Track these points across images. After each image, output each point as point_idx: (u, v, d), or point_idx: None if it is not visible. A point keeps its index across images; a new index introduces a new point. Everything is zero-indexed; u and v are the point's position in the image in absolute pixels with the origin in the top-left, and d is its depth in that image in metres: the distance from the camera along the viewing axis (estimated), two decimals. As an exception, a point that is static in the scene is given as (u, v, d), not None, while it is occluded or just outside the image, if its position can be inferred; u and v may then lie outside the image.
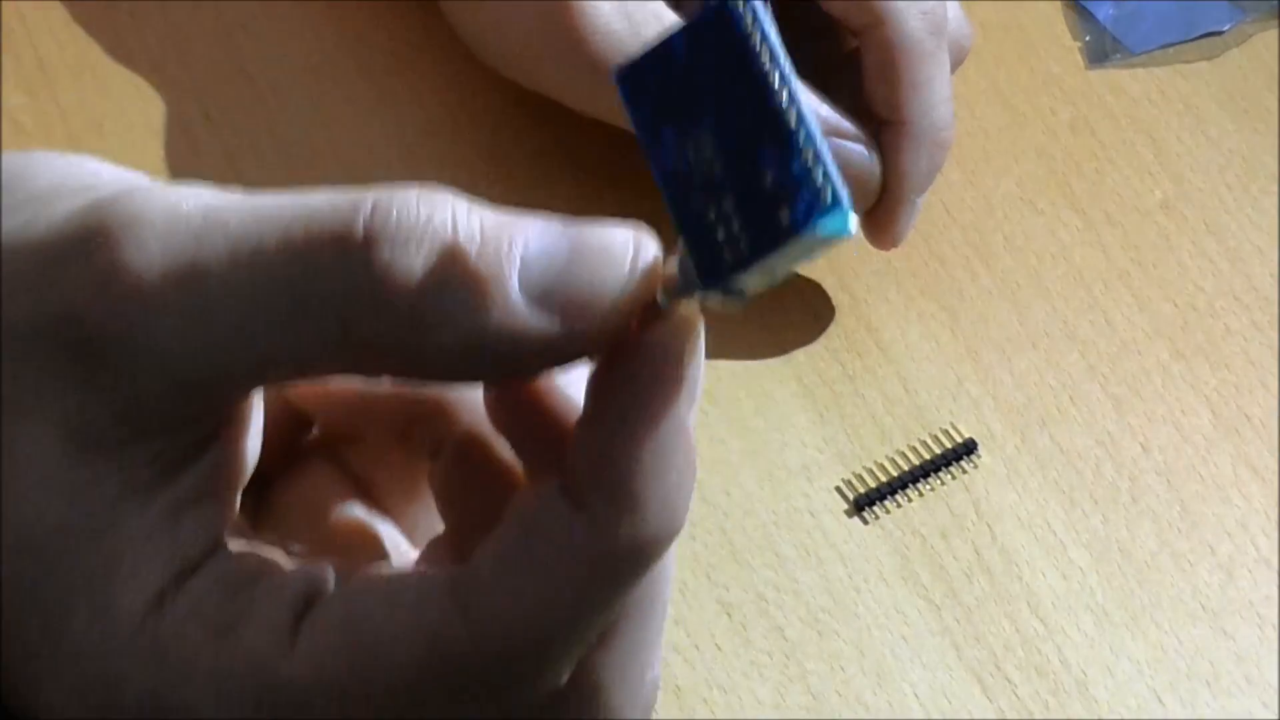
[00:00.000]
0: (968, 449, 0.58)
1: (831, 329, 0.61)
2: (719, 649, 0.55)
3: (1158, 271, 0.63)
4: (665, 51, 0.37)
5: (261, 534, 0.44)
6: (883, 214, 0.59)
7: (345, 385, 0.45)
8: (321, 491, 0.46)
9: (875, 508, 0.57)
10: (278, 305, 0.37)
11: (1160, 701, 0.54)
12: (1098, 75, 0.68)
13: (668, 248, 0.38)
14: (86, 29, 0.67)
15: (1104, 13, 0.69)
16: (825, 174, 0.36)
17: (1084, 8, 0.70)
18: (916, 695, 0.54)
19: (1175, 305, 0.62)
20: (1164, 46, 0.69)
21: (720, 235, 0.36)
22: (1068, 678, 0.54)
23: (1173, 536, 0.57)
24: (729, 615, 0.55)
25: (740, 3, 0.37)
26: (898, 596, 0.56)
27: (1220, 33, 0.69)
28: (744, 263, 0.36)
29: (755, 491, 0.57)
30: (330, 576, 0.40)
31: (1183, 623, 0.55)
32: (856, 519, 0.57)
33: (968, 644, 0.55)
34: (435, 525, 0.46)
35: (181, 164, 0.64)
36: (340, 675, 0.38)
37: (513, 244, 0.37)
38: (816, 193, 0.36)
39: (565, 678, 0.40)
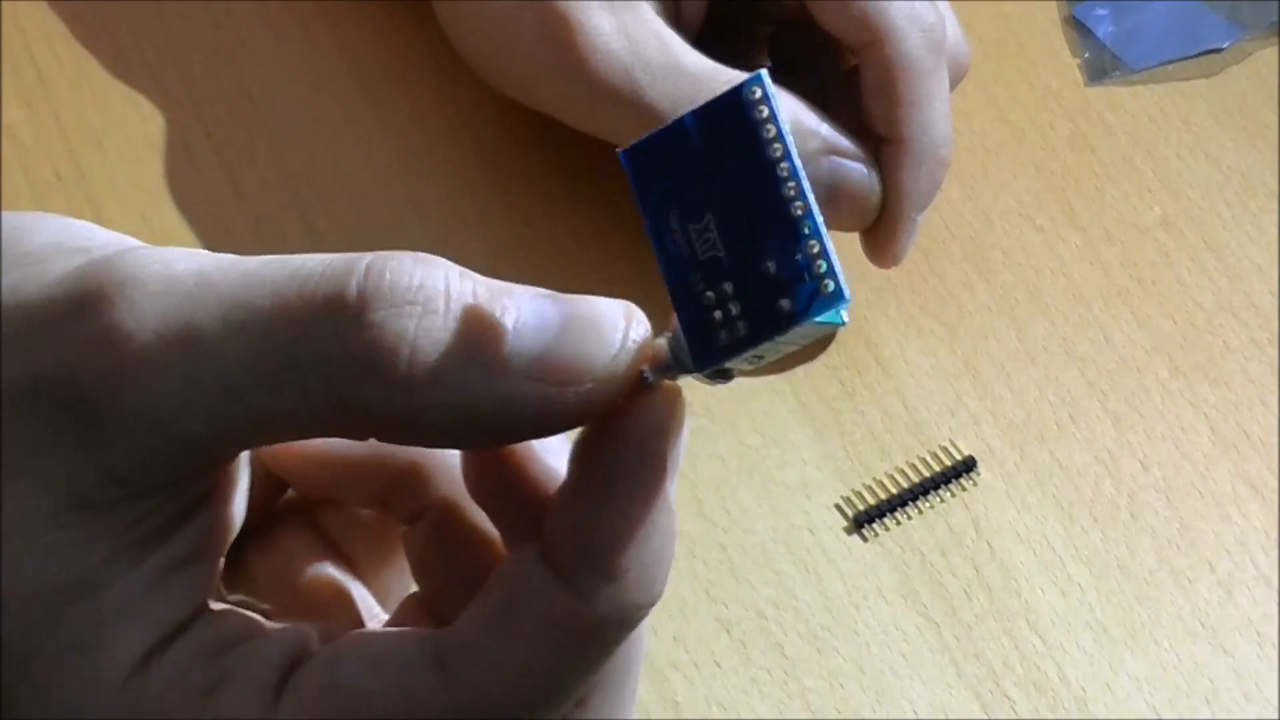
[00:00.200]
0: (967, 466, 0.58)
1: (831, 346, 0.61)
2: (718, 666, 0.55)
3: (1157, 288, 0.63)
4: (675, 133, 0.38)
5: (234, 595, 0.44)
6: (883, 232, 0.59)
7: (323, 450, 0.45)
8: (295, 554, 0.46)
9: (874, 525, 0.57)
10: (270, 367, 0.37)
11: (1160, 718, 0.54)
12: (1097, 92, 0.68)
13: (656, 317, 0.38)
14: (86, 44, 0.67)
15: (1103, 30, 0.69)
16: (829, 266, 0.37)
17: (1083, 24, 0.70)
18: (916, 712, 0.54)
19: (1174, 322, 0.62)
20: (1163, 63, 0.69)
21: (717, 317, 0.37)
22: (1067, 695, 0.54)
23: (1172, 554, 0.57)
24: (728, 632, 0.55)
25: (755, 91, 0.38)
26: (897, 614, 0.56)
27: (1219, 50, 0.69)
28: (740, 347, 0.37)
29: (754, 509, 0.57)
30: (314, 639, 0.40)
31: (1182, 640, 0.55)
32: (856, 536, 0.57)
33: (967, 661, 0.55)
34: (407, 588, 0.46)
35: (181, 179, 0.64)
36: None
37: (505, 310, 0.37)
38: (819, 284, 0.37)
39: None
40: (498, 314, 0.37)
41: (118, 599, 0.38)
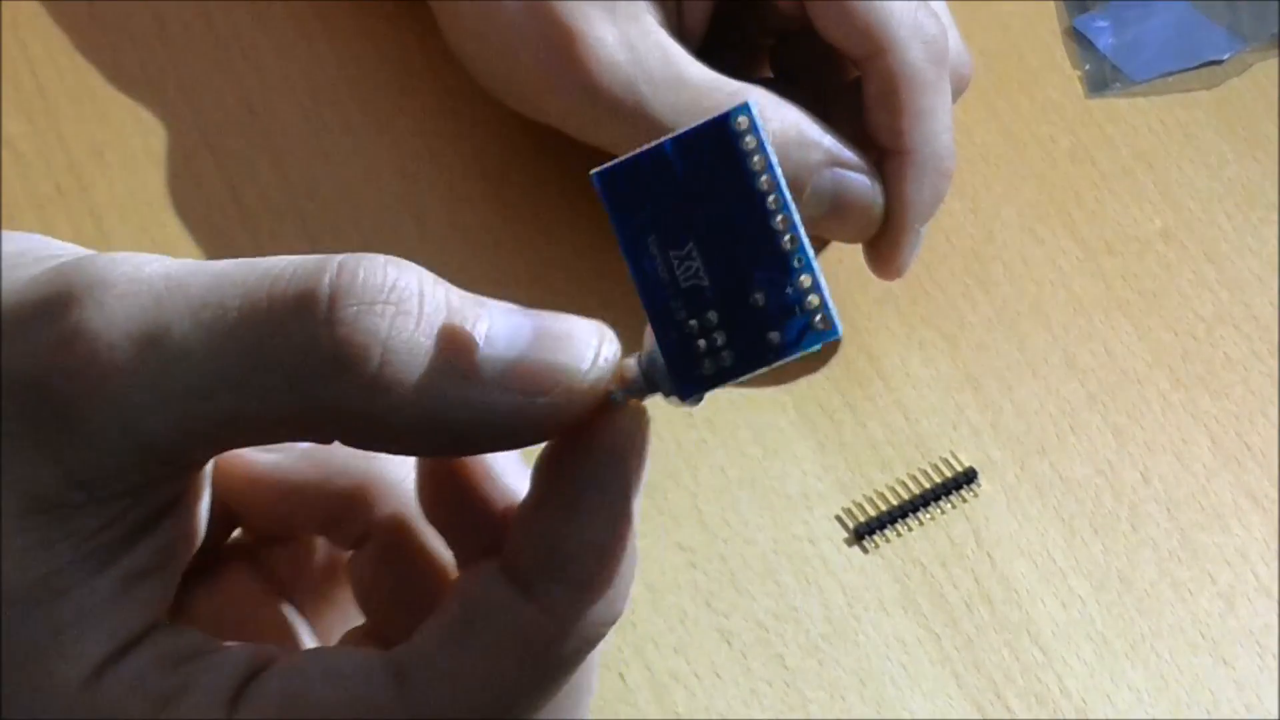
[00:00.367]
0: (968, 478, 0.58)
1: (831, 357, 0.61)
2: (719, 677, 0.54)
3: (1157, 300, 0.63)
4: (653, 158, 0.38)
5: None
6: (886, 244, 0.59)
7: (270, 469, 0.45)
8: (240, 596, 0.46)
9: (875, 536, 0.57)
10: (239, 366, 0.37)
11: (1161, 731, 0.54)
12: (1098, 104, 0.68)
13: (632, 338, 0.39)
14: (87, 56, 0.67)
15: (1104, 41, 0.69)
16: (822, 299, 0.37)
17: (1084, 36, 0.70)
18: (917, 724, 0.54)
19: (1175, 334, 0.62)
20: (1164, 75, 0.69)
21: (700, 346, 0.37)
22: (1068, 706, 0.54)
23: (1173, 565, 0.57)
24: (729, 643, 0.55)
25: (741, 121, 0.37)
26: (898, 625, 0.56)
27: (1220, 62, 0.69)
28: (725, 376, 0.37)
29: (755, 520, 0.57)
30: (272, 655, 0.40)
31: (1183, 651, 0.55)
32: (856, 547, 0.57)
33: (968, 673, 0.55)
34: (352, 625, 0.46)
35: (182, 191, 0.64)
36: None
37: (478, 319, 0.37)
38: (811, 318, 0.37)
39: None
40: (471, 321, 0.37)
41: (77, 606, 0.38)
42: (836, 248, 0.63)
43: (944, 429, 0.60)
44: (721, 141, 0.37)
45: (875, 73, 0.58)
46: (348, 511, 0.44)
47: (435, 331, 0.37)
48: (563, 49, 0.58)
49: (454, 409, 0.37)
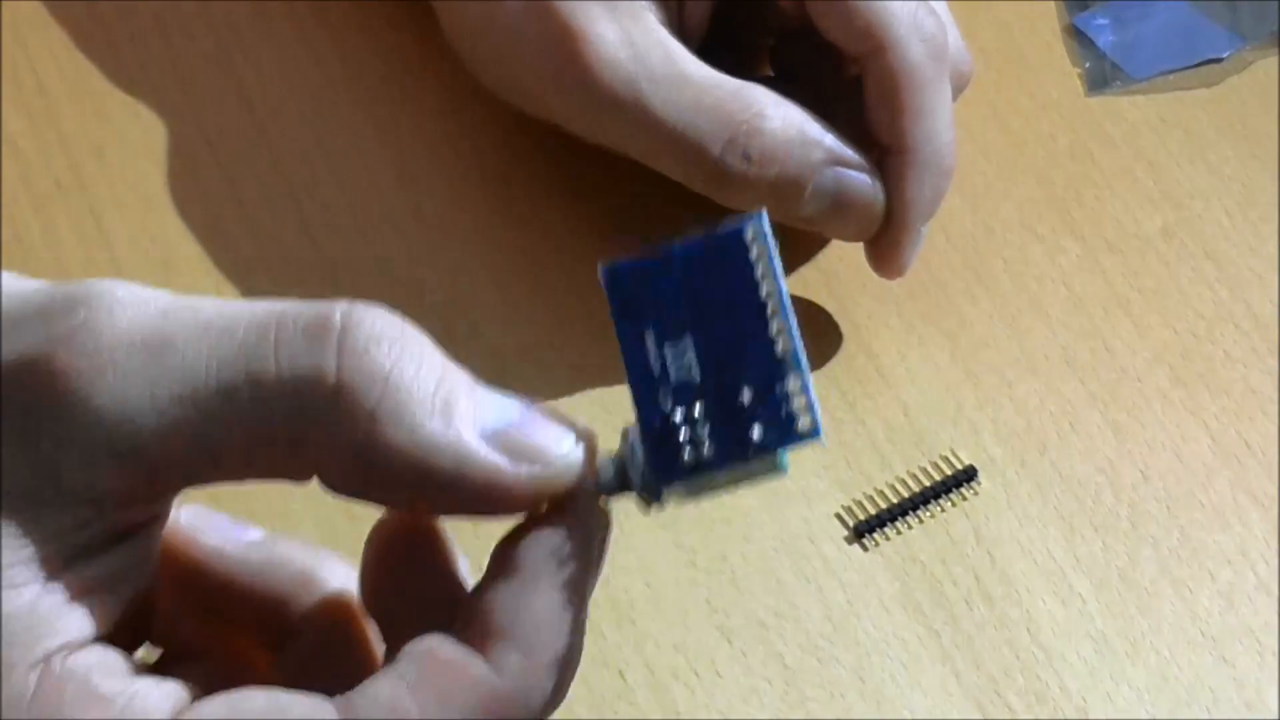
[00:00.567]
0: (968, 475, 0.58)
1: (831, 355, 0.61)
2: (719, 676, 0.54)
3: (1157, 298, 0.63)
4: (662, 259, 0.40)
5: None
6: (888, 242, 0.59)
7: (217, 548, 0.45)
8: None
9: (875, 534, 0.57)
10: (239, 381, 0.38)
11: (1161, 729, 0.54)
12: (1097, 102, 0.68)
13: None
14: (87, 54, 0.67)
15: (1104, 39, 0.69)
16: (809, 402, 0.39)
17: (1084, 34, 0.70)
18: (917, 722, 0.54)
19: (1175, 331, 0.62)
20: (1164, 73, 0.69)
21: (684, 436, 0.39)
22: (1068, 705, 0.54)
23: (1173, 563, 0.57)
24: (729, 641, 0.55)
25: (752, 233, 0.39)
26: (897, 623, 0.56)
27: (1220, 60, 0.69)
28: (703, 468, 0.39)
29: (755, 518, 0.57)
30: (212, 686, 0.40)
31: (1183, 649, 0.55)
32: (856, 545, 0.57)
33: (968, 671, 0.55)
34: None
35: (181, 189, 0.64)
36: None
37: (473, 387, 0.39)
38: (796, 419, 0.39)
39: None
40: (467, 385, 0.39)
41: (31, 599, 0.38)
42: (837, 245, 0.63)
43: (944, 427, 0.60)
44: (732, 251, 0.39)
45: (875, 71, 0.58)
46: (283, 605, 0.45)
47: (436, 380, 0.39)
48: (564, 47, 0.58)
49: (442, 455, 0.38)
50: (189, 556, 0.44)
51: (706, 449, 0.39)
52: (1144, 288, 0.63)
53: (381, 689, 0.39)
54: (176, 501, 0.42)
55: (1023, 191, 0.65)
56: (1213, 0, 0.70)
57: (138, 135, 0.65)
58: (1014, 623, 0.56)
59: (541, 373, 0.60)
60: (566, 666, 0.40)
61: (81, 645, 0.39)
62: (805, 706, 0.54)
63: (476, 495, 0.39)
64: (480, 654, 0.39)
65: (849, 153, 0.58)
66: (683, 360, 0.39)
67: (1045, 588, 0.56)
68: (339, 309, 0.38)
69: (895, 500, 0.58)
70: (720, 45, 0.61)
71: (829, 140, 0.58)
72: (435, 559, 0.43)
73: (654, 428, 0.39)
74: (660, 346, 0.39)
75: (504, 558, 0.40)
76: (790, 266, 0.62)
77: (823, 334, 0.61)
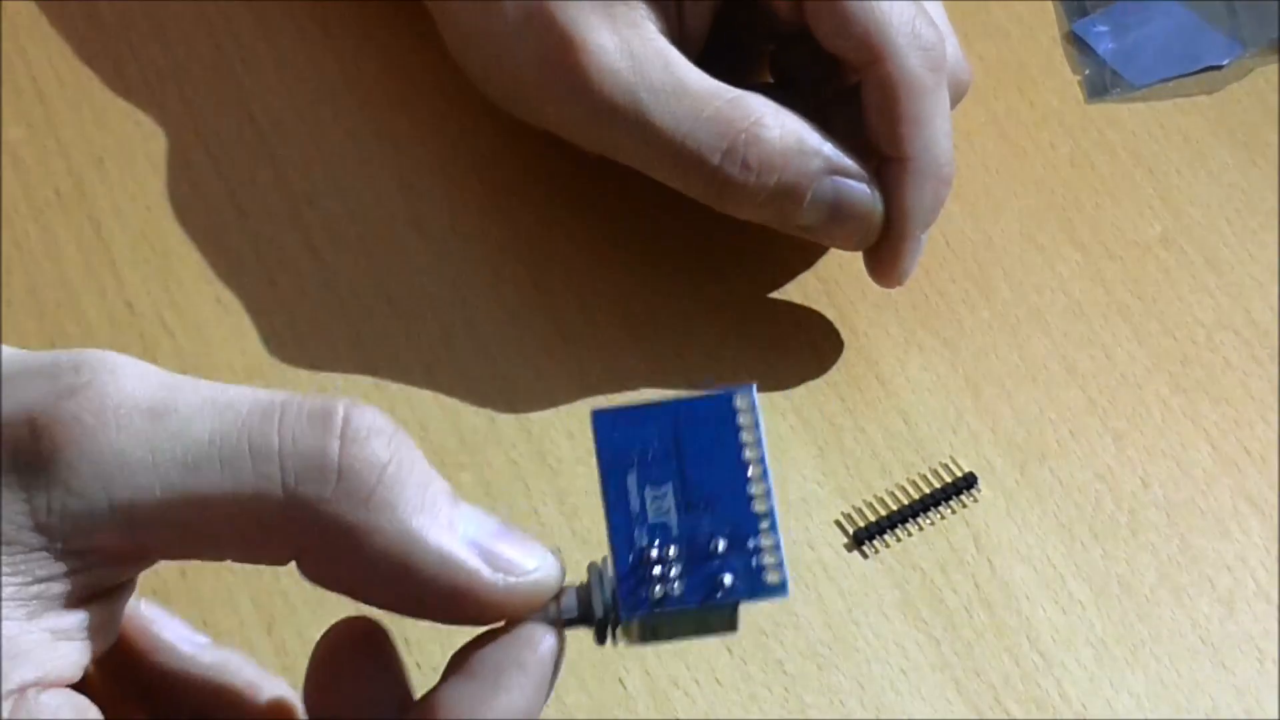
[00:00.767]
0: (967, 483, 0.58)
1: (831, 363, 0.61)
2: (719, 683, 0.54)
3: (1157, 305, 0.63)
4: (653, 415, 0.42)
5: None
6: (887, 251, 0.59)
7: (180, 663, 0.46)
8: None
9: (875, 541, 0.57)
10: (240, 453, 0.39)
11: (1160, 736, 0.54)
12: (1097, 109, 0.68)
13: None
14: (86, 62, 0.67)
15: (1103, 46, 0.69)
16: (779, 560, 0.41)
17: (1083, 41, 0.70)
18: (916, 730, 0.54)
19: (1175, 339, 0.62)
20: (1164, 80, 0.69)
21: (656, 573, 0.41)
22: (1068, 711, 0.54)
23: (1172, 570, 0.57)
24: (728, 649, 0.55)
25: (742, 402, 0.42)
26: (897, 630, 0.56)
27: (1220, 67, 0.69)
28: (670, 604, 0.41)
29: (755, 525, 0.57)
30: None
31: (1182, 657, 0.55)
32: (856, 553, 0.57)
33: (967, 678, 0.55)
34: None
35: (181, 198, 0.64)
36: None
37: (456, 498, 0.41)
38: (766, 573, 0.41)
39: None
40: (449, 493, 0.41)
41: (12, 638, 0.39)
42: (837, 254, 0.63)
43: (943, 434, 0.60)
44: (722, 415, 0.42)
45: (874, 80, 0.58)
46: (226, 707, 0.46)
47: (426, 481, 0.40)
48: (562, 56, 0.58)
49: (428, 549, 0.40)
50: (143, 642, 0.45)
51: (675, 587, 0.40)
52: (1144, 295, 0.63)
53: None
54: (136, 592, 0.42)
55: (1022, 199, 0.65)
56: (1213, 5, 0.70)
57: (138, 143, 0.65)
58: (1013, 630, 0.56)
59: (540, 380, 0.60)
60: None
61: (56, 684, 0.40)
62: (805, 713, 0.54)
63: (454, 595, 0.40)
64: None
65: (848, 161, 0.58)
66: (662, 504, 0.41)
67: (1045, 595, 0.56)
68: (343, 404, 0.40)
69: (895, 507, 0.58)
70: (719, 52, 0.61)
71: (827, 149, 0.58)
72: (383, 661, 0.43)
73: (626, 559, 0.41)
74: (641, 489, 0.41)
75: (465, 661, 0.42)
76: (790, 274, 0.63)
77: (823, 341, 0.61)
